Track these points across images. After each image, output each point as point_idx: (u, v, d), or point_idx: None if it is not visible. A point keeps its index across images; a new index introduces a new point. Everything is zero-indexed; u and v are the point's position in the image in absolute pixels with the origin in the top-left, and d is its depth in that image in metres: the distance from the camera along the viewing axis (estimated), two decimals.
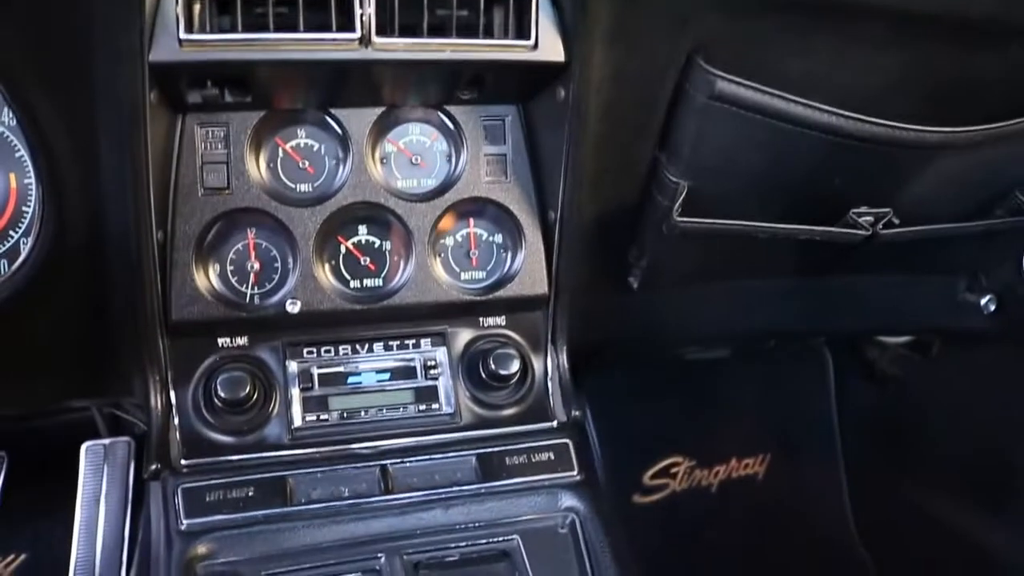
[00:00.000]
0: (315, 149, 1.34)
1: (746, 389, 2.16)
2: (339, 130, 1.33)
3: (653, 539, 1.99)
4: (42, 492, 1.90)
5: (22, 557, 1.92)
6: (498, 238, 1.42)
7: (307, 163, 1.34)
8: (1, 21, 1.04)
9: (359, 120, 1.33)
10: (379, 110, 1.34)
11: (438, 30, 1.19)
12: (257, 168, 1.31)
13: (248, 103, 1.26)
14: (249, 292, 1.33)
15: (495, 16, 1.22)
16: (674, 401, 2.11)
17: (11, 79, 1.09)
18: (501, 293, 1.39)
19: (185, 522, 1.20)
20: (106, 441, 1.88)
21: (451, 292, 1.38)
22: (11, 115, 1.27)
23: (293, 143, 1.34)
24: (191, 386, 1.30)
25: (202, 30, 1.12)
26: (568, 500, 1.30)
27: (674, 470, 2.13)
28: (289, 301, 1.31)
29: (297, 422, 1.31)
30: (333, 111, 1.32)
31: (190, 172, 1.27)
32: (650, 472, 2.11)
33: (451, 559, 1.22)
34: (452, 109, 1.37)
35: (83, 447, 1.87)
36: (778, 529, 2.16)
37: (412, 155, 1.38)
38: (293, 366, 1.34)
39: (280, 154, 1.33)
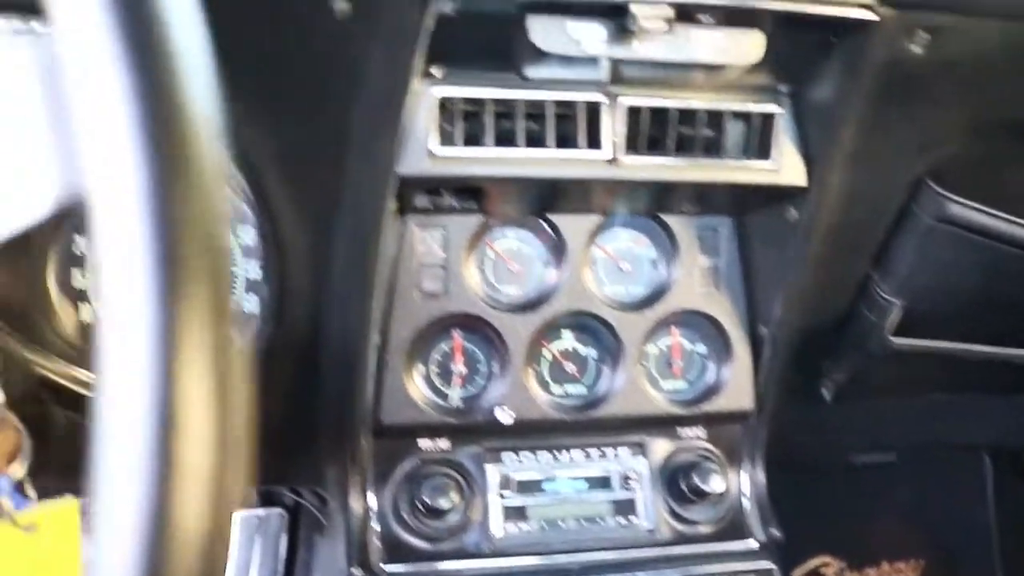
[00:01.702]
0: (525, 253, 1.32)
1: (899, 490, 2.08)
2: (553, 236, 1.31)
3: None
4: None
5: None
6: (701, 348, 1.39)
7: (517, 267, 1.32)
8: (264, 127, 1.05)
9: (575, 226, 1.31)
10: (594, 217, 1.31)
11: (680, 147, 1.17)
12: (471, 272, 1.29)
13: (471, 208, 1.26)
14: (453, 396, 1.31)
15: (735, 135, 1.19)
16: (825, 499, 2.04)
17: (263, 185, 1.09)
18: (706, 406, 1.36)
19: None
20: (260, 512, 1.88)
21: (655, 403, 1.34)
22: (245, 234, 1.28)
23: (505, 246, 1.32)
24: (391, 488, 1.29)
25: (449, 142, 1.11)
26: None
27: (824, 571, 2.06)
28: (499, 408, 1.28)
29: (496, 530, 1.28)
30: (549, 215, 1.31)
31: (408, 275, 1.26)
32: (799, 572, 2.04)
33: None
34: (666, 217, 1.34)
35: (237, 516, 1.87)
36: None
37: (620, 261, 1.36)
38: (493, 471, 1.31)
39: (491, 256, 1.31)
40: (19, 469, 0.90)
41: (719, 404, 1.36)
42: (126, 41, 0.40)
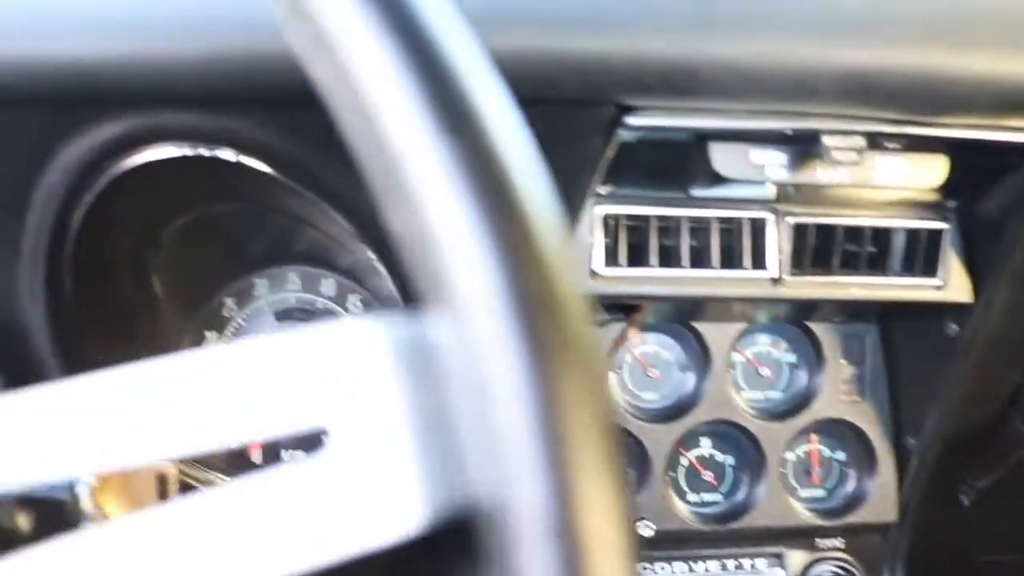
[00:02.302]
0: (664, 358, 1.29)
1: None
2: (696, 343, 1.27)
3: None
4: None
5: None
6: (840, 455, 1.34)
7: (656, 373, 1.28)
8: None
9: (719, 333, 1.27)
10: (739, 325, 1.27)
11: (843, 263, 1.13)
12: (610, 380, 1.26)
13: (618, 319, 1.22)
14: None
15: (898, 250, 1.15)
16: None
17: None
18: (849, 518, 1.31)
19: None
20: None
21: (796, 514, 1.30)
22: None
23: (643, 351, 1.28)
24: None
25: (612, 260, 1.08)
26: None
27: None
28: (640, 523, 1.24)
29: None
30: (693, 323, 1.27)
31: None
32: None
33: None
34: (810, 324, 1.30)
35: None
36: None
37: (759, 366, 1.31)
38: None
39: (629, 362, 1.28)
40: None
41: (862, 515, 1.31)
42: (532, 333, 0.37)
